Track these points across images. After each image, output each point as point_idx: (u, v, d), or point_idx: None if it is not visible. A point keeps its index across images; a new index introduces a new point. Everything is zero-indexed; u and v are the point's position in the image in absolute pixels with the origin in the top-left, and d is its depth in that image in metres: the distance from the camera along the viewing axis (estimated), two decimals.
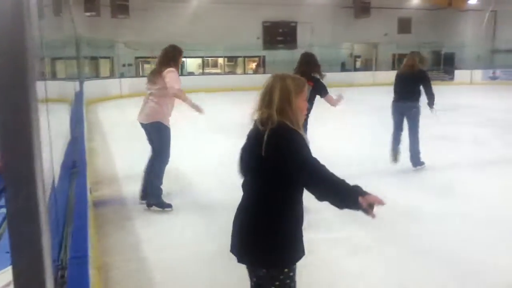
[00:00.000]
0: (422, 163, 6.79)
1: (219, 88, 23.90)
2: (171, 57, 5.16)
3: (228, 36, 26.41)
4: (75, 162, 3.01)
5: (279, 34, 29.69)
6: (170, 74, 4.97)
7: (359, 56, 32.69)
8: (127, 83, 22.61)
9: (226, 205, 5.17)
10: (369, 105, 16.64)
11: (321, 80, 5.35)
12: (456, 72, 28.93)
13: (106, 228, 4.53)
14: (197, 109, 5.23)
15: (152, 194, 5.14)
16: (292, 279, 2.18)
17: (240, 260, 2.26)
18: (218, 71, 29.59)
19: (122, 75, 23.95)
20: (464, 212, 4.81)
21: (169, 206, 5.15)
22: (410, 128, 6.74)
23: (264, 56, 29.44)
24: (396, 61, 31.84)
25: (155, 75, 5.11)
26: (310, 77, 5.08)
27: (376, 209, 1.87)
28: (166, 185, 6.00)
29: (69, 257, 1.55)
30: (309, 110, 5.11)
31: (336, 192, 2.00)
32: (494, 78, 12.19)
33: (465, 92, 21.73)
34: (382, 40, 31.18)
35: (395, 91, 6.93)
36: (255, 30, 28.68)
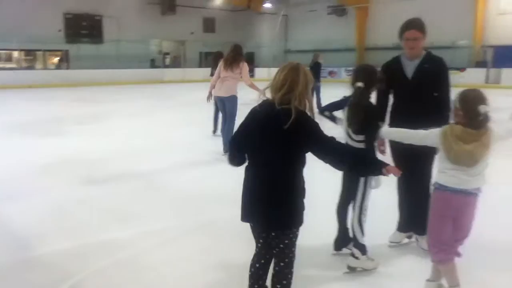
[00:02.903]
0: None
1: (14, 85, 21.46)
2: (240, 52, 7.45)
3: (23, 28, 23.86)
4: None
5: (83, 27, 28.04)
6: (246, 69, 7.39)
7: (168, 53, 32.98)
8: None
9: (26, 210, 4.80)
10: (179, 101, 17.09)
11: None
12: (256, 70, 31.45)
13: None
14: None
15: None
16: (297, 237, 2.58)
17: (257, 225, 2.61)
18: (13, 65, 26.54)
19: None
20: None
21: None
22: (316, 95, 12.02)
23: (67, 50, 27.49)
24: (203, 59, 33.06)
25: (233, 65, 7.23)
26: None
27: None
28: None
29: None
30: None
31: (360, 162, 2.59)
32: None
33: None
34: (189, 38, 32.04)
35: None
36: (55, 22, 26.53)
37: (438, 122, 3.22)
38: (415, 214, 3.64)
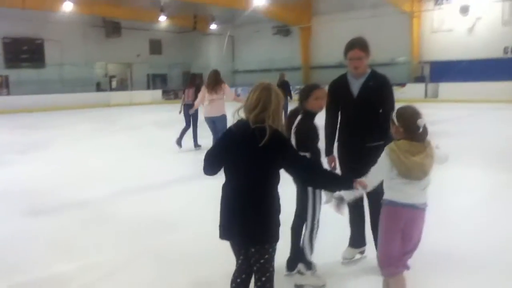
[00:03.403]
0: None
1: None
2: (219, 76, 8.60)
3: None
4: None
5: (23, 51, 27.11)
6: (228, 88, 8.62)
7: (114, 76, 32.41)
8: None
9: None
10: (126, 125, 16.74)
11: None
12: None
13: None
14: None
15: None
16: (275, 252, 2.66)
17: (236, 241, 2.67)
18: None
19: None
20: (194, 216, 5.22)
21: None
22: (285, 112, 11.86)
23: (7, 76, 26.39)
24: (151, 81, 32.72)
25: (216, 88, 8.36)
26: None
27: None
28: None
29: None
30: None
31: (332, 181, 2.71)
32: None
33: None
34: (136, 60, 31.68)
35: None
36: None
37: (384, 137, 3.36)
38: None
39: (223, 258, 3.85)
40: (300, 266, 3.36)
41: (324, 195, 3.26)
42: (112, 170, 8.27)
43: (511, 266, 3.72)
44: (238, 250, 2.72)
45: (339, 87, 3.75)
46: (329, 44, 27.27)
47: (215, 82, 8.40)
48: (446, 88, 22.68)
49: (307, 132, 3.31)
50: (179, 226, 5.02)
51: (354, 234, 3.91)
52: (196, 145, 10.15)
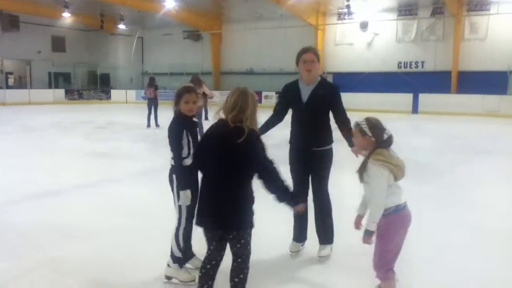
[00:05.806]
0: None
1: None
2: (200, 78, 12.81)
3: None
4: None
5: None
6: (206, 86, 13.35)
7: (11, 73, 30.14)
8: None
9: None
10: (20, 126, 15.50)
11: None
12: (112, 91, 30.51)
13: None
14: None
15: None
16: (251, 237, 2.96)
17: (215, 228, 2.92)
18: None
19: None
20: (138, 226, 4.88)
21: None
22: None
23: None
24: (52, 79, 30.91)
25: (198, 87, 11.39)
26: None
27: None
28: None
29: None
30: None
31: (285, 193, 2.93)
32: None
33: (121, 110, 23.06)
34: (36, 57, 29.77)
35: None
36: None
37: (331, 142, 3.82)
38: (321, 226, 4.00)
39: (129, 267, 3.87)
40: (169, 259, 3.50)
41: (181, 196, 3.30)
42: (5, 176, 7.57)
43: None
44: (212, 237, 2.95)
45: (290, 92, 3.95)
46: (239, 51, 27.77)
47: (198, 82, 12.05)
48: (347, 98, 23.28)
49: (171, 131, 3.35)
50: (81, 235, 4.69)
51: (298, 229, 4.10)
52: (156, 124, 14.49)
